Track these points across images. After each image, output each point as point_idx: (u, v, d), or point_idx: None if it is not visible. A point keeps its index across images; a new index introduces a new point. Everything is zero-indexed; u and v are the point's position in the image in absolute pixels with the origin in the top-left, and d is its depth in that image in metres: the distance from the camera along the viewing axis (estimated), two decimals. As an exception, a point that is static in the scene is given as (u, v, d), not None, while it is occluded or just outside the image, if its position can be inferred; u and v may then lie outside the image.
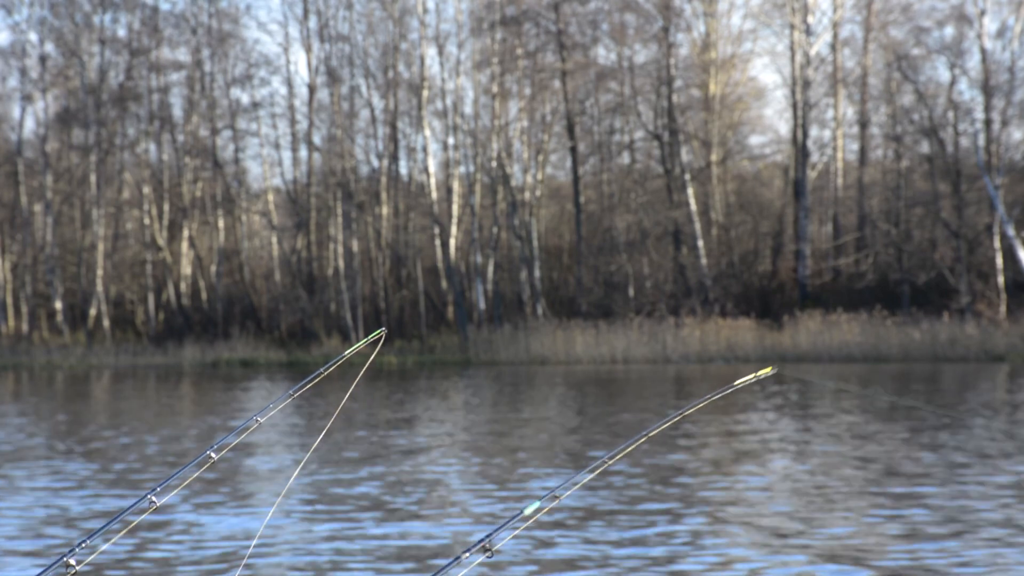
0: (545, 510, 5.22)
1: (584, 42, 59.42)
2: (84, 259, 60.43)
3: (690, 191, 57.30)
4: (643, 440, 5.35)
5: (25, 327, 60.53)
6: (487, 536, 5.16)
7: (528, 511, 5.18)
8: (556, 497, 5.26)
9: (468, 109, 58.94)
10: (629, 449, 5.29)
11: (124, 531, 5.66)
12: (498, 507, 15.08)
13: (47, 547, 12.93)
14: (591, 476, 5.31)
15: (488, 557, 5.15)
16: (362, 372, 5.84)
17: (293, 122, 61.59)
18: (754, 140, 63.71)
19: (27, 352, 57.65)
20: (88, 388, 42.42)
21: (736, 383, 5.49)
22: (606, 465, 5.32)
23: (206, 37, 61.42)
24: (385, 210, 58.84)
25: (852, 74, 59.41)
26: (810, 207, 57.64)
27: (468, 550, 5.14)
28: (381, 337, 5.68)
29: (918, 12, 58.69)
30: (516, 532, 5.21)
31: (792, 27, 57.94)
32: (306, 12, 60.82)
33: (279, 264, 61.50)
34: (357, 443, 22.33)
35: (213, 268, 60.80)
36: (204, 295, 60.61)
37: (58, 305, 60.17)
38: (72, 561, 5.36)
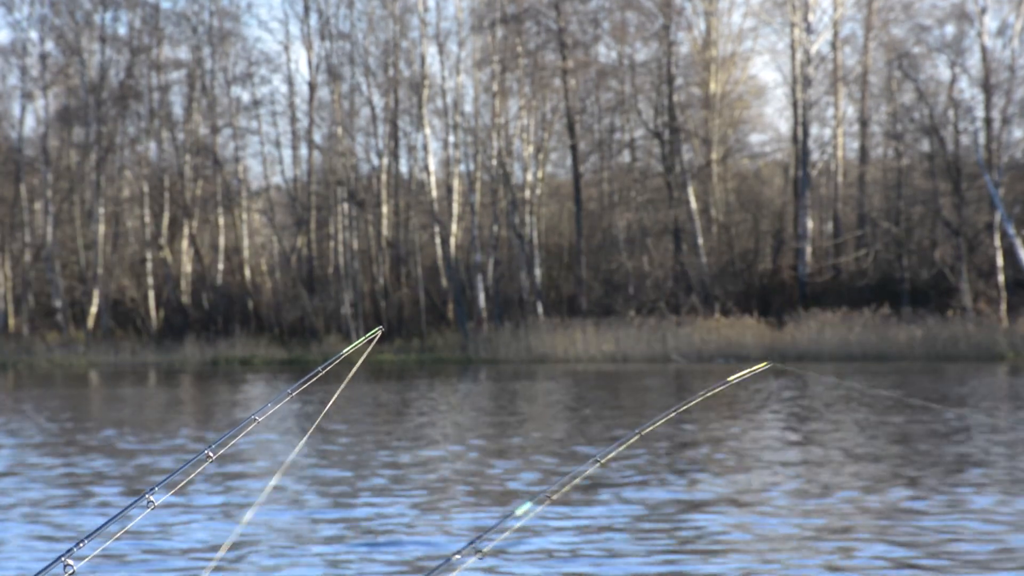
0: (537, 510, 5.20)
1: (585, 40, 59.41)
2: (84, 257, 60.43)
3: (690, 189, 57.30)
4: (636, 438, 5.33)
5: (25, 326, 60.51)
6: (478, 537, 5.15)
7: (519, 511, 5.16)
8: (548, 497, 5.24)
9: (468, 107, 59.01)
10: (621, 448, 5.28)
11: (122, 531, 5.65)
12: (490, 508, 15.08)
13: (45, 544, 12.93)
14: (584, 475, 5.29)
15: (479, 559, 5.13)
16: (353, 371, 5.82)
17: (293, 120, 61.61)
18: (754, 138, 63.77)
19: (27, 351, 57.63)
20: (88, 386, 42.41)
21: (730, 379, 5.48)
22: (598, 464, 5.30)
23: (207, 35, 61.42)
24: (385, 208, 58.84)
25: (852, 72, 59.40)
26: (810, 205, 57.63)
27: (459, 551, 5.12)
28: (377, 335, 5.67)
29: (919, 10, 58.73)
30: (507, 532, 5.20)
31: (793, 25, 57.93)
32: (307, 10, 60.83)
33: (279, 262, 61.51)
34: (346, 446, 22.33)
35: (214, 266, 60.81)
36: (204, 293, 60.61)
37: (58, 303, 60.16)
38: (70, 561, 5.35)
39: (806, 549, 12.43)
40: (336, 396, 5.97)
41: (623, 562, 11.91)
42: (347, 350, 5.78)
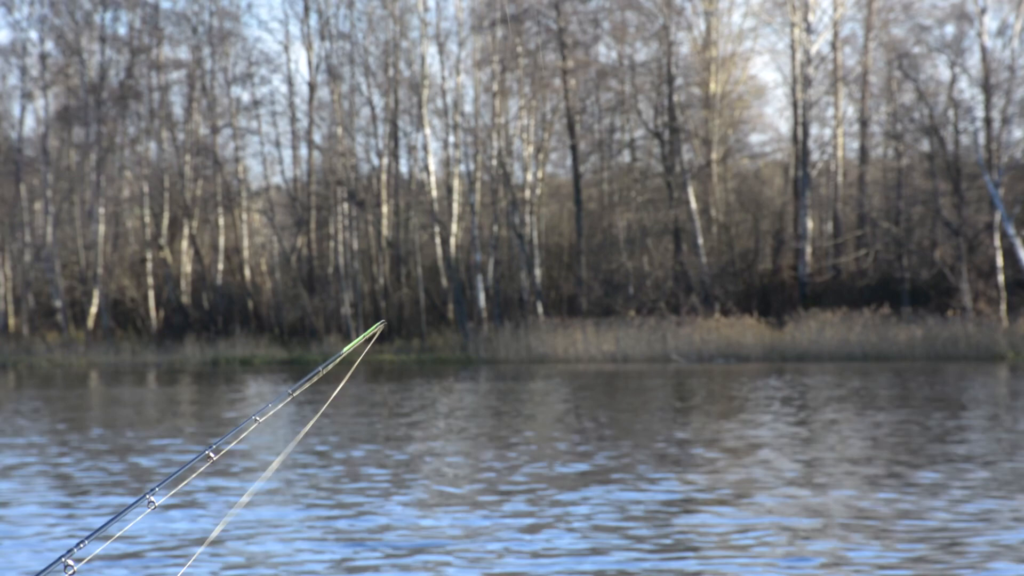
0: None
1: (585, 40, 59.41)
2: (84, 257, 60.42)
3: (690, 189, 57.30)
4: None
5: (25, 326, 60.52)
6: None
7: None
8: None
9: (468, 107, 59.01)
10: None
11: (122, 531, 5.65)
12: (484, 512, 15.08)
13: (46, 545, 12.94)
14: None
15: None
16: (353, 368, 5.83)
17: (293, 120, 61.62)
18: (754, 138, 63.78)
19: (27, 351, 57.64)
20: (88, 387, 42.41)
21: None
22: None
23: (207, 35, 61.43)
24: (385, 208, 58.84)
25: (852, 72, 59.40)
26: (810, 205, 57.64)
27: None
28: (380, 329, 5.68)
29: (919, 10, 58.72)
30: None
31: (793, 25, 57.93)
32: (307, 10, 60.84)
33: (279, 262, 61.51)
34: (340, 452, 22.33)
35: (214, 266, 60.81)
36: (204, 293, 60.62)
37: (58, 303, 60.16)
38: (71, 561, 5.35)
39: (767, 545, 12.45)
40: (333, 397, 5.98)
41: (581, 560, 11.93)
42: (348, 347, 5.79)
